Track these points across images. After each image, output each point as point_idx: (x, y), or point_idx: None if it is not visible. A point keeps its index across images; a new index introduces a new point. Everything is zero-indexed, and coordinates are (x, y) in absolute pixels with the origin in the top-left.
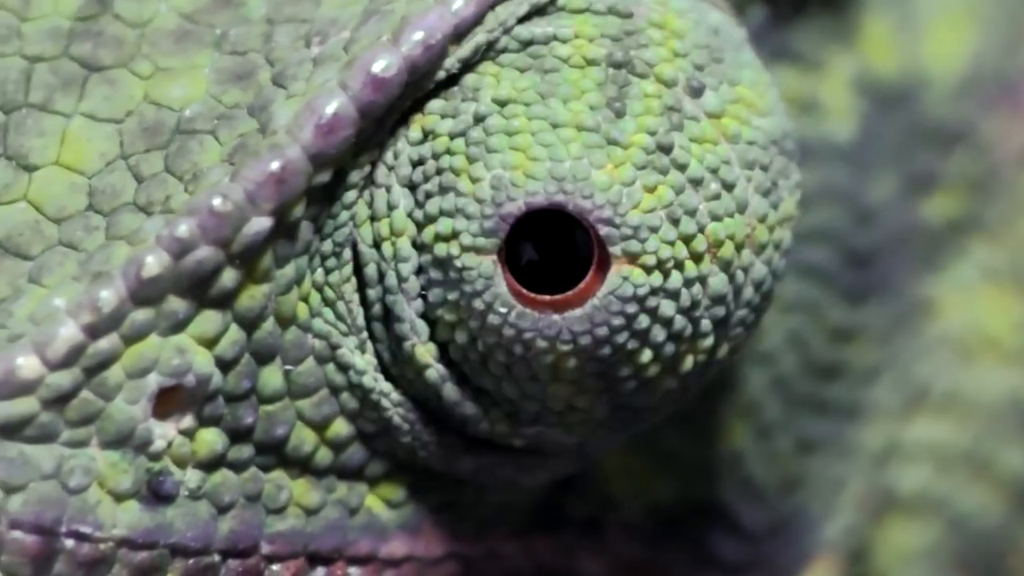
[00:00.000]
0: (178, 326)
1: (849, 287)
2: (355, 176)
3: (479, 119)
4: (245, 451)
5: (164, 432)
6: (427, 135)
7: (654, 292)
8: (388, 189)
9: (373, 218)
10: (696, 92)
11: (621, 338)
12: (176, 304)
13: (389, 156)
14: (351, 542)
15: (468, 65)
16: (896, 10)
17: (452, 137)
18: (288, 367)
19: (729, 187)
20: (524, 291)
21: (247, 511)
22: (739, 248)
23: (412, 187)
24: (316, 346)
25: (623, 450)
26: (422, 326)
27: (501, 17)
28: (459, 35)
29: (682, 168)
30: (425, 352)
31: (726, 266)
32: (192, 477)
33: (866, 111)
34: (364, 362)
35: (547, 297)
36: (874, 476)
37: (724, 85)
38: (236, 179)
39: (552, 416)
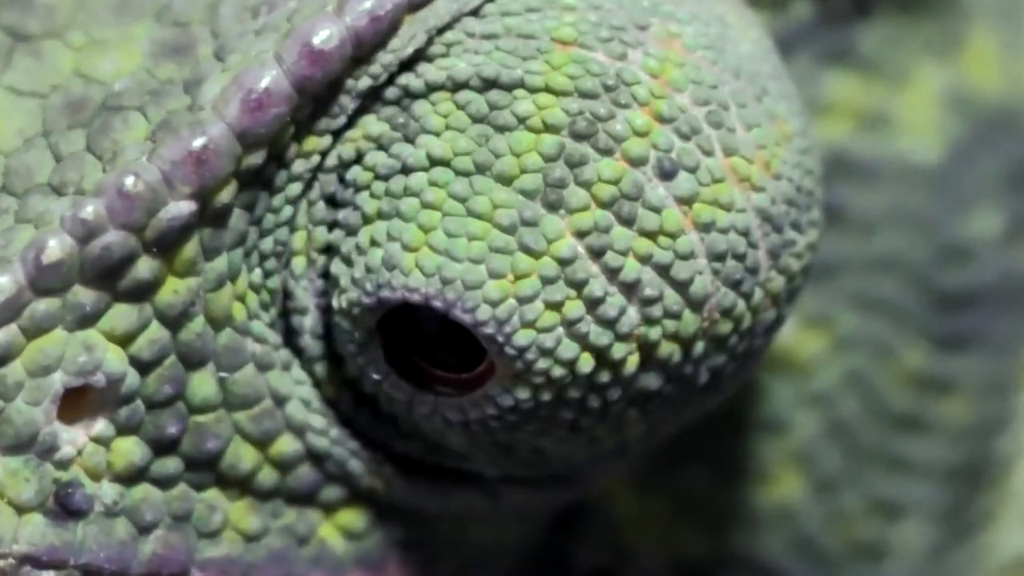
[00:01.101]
0: (86, 320)
1: (936, 331)
2: (299, 166)
3: (407, 170)
4: (171, 465)
5: (72, 438)
6: (359, 157)
7: (541, 405)
8: (311, 203)
9: (291, 228)
10: (667, 175)
11: (502, 429)
12: (83, 295)
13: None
14: (298, 575)
15: (423, 54)
16: (1006, 27)
17: (377, 176)
18: (223, 374)
19: (681, 285)
20: (407, 360)
21: (174, 533)
22: (687, 344)
23: (335, 204)
24: (256, 351)
25: (638, 491)
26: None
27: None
28: (415, 5)
29: (613, 273)
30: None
31: (662, 365)
32: (108, 491)
33: (960, 134)
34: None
35: (430, 372)
36: (1000, 541)
37: (709, 159)
38: (153, 158)
39: (464, 454)
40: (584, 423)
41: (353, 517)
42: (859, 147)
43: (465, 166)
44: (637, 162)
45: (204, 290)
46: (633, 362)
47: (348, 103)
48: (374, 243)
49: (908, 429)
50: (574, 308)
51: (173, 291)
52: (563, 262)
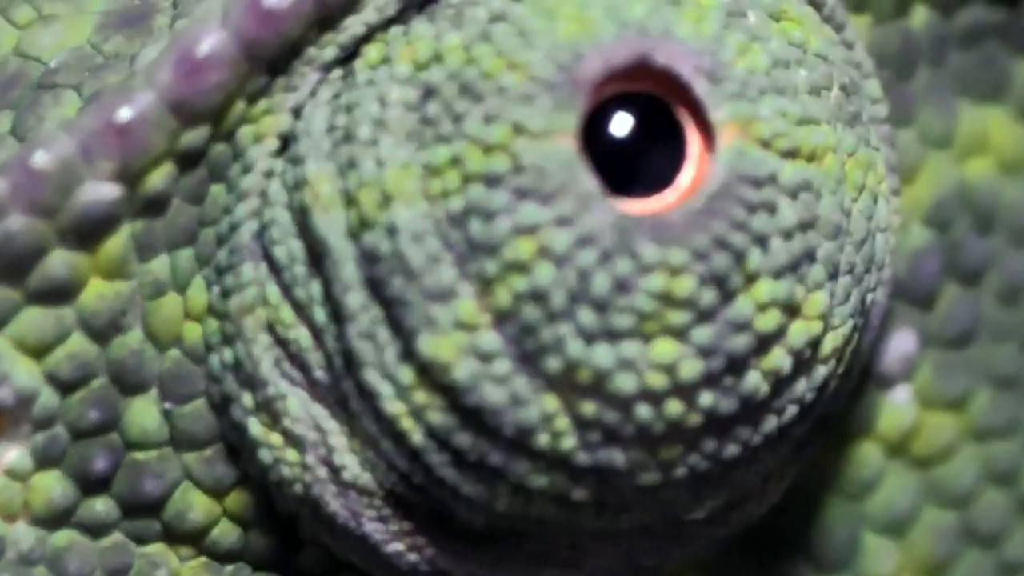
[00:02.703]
0: None
1: None
2: (255, 152)
3: (498, 17)
4: (102, 509)
5: None
6: (420, 67)
7: (773, 178)
8: (373, 143)
9: (347, 187)
10: None
11: (741, 239)
12: None
13: (373, 105)
14: None
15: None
16: None
17: (468, 48)
18: (168, 404)
19: (816, 91)
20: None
21: None
22: (839, 178)
23: (413, 134)
24: (210, 388)
25: None
26: (440, 309)
27: None
28: None
29: (766, 41)
30: (448, 346)
31: (833, 188)
32: (24, 535)
33: None
34: (261, 428)
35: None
36: None
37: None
38: (70, 130)
39: (642, 412)
40: (792, 247)
41: None
42: (1006, 194)
43: None
44: None
45: (141, 297)
46: (812, 166)
47: (311, 75)
48: (519, 67)
49: None
50: (761, 57)
51: (99, 295)
52: (726, 10)
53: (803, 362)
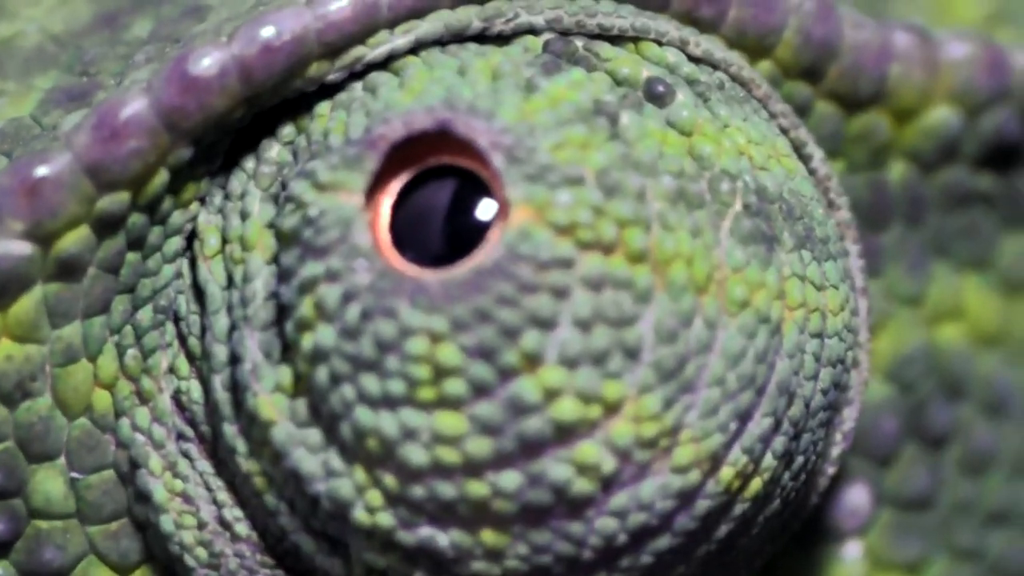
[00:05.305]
0: None
1: None
2: (178, 217)
3: (371, 87)
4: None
5: None
6: (300, 129)
7: (564, 264)
8: (243, 196)
9: (225, 240)
10: (658, 98)
11: (511, 317)
12: None
13: (250, 161)
14: None
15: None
16: None
17: (335, 108)
18: (75, 474)
19: (691, 202)
20: (398, 254)
21: None
22: (700, 287)
23: (276, 196)
24: (118, 456)
25: None
26: (267, 368)
27: (400, 43)
28: (331, 47)
29: (629, 144)
30: (269, 405)
31: (677, 295)
32: None
33: None
34: (165, 494)
35: (426, 269)
36: None
37: (707, 111)
38: None
39: (443, 489)
40: (600, 339)
41: None
42: (980, 364)
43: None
44: (624, 81)
45: (51, 364)
46: (646, 270)
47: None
48: (348, 128)
49: None
50: (598, 155)
51: (7, 356)
52: (581, 107)
53: (643, 466)
